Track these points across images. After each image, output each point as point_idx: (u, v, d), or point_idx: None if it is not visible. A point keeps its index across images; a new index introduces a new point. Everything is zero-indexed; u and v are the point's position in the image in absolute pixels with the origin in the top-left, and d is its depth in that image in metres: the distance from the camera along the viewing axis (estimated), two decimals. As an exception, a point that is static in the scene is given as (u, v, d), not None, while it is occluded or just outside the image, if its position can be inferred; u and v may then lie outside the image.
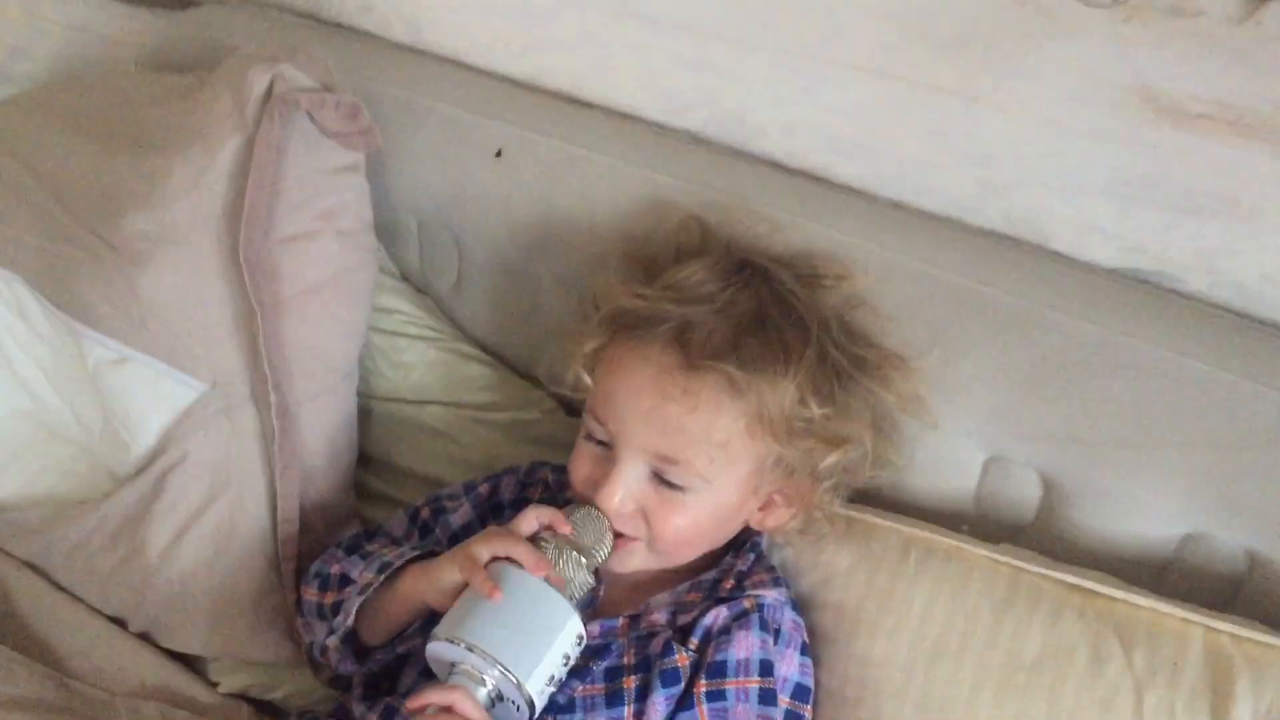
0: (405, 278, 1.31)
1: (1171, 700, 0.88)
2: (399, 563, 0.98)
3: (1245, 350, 0.94)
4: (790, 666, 0.98)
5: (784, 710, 0.96)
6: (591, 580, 0.94)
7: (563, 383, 1.04)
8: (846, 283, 1.03)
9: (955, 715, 0.92)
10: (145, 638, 1.15)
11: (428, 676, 0.94)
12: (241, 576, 1.11)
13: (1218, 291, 0.99)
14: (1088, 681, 0.90)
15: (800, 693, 0.98)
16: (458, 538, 1.05)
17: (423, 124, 1.22)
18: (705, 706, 0.92)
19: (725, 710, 0.92)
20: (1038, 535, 1.04)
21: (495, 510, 1.08)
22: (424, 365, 1.23)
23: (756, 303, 0.97)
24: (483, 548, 0.92)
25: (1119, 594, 0.94)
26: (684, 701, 0.93)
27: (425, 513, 1.10)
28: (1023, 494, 1.04)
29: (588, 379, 1.00)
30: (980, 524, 1.05)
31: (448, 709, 0.84)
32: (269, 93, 1.06)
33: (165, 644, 1.14)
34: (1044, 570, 0.97)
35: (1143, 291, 1.00)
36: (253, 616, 1.11)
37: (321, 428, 1.12)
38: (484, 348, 1.27)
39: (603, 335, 1.00)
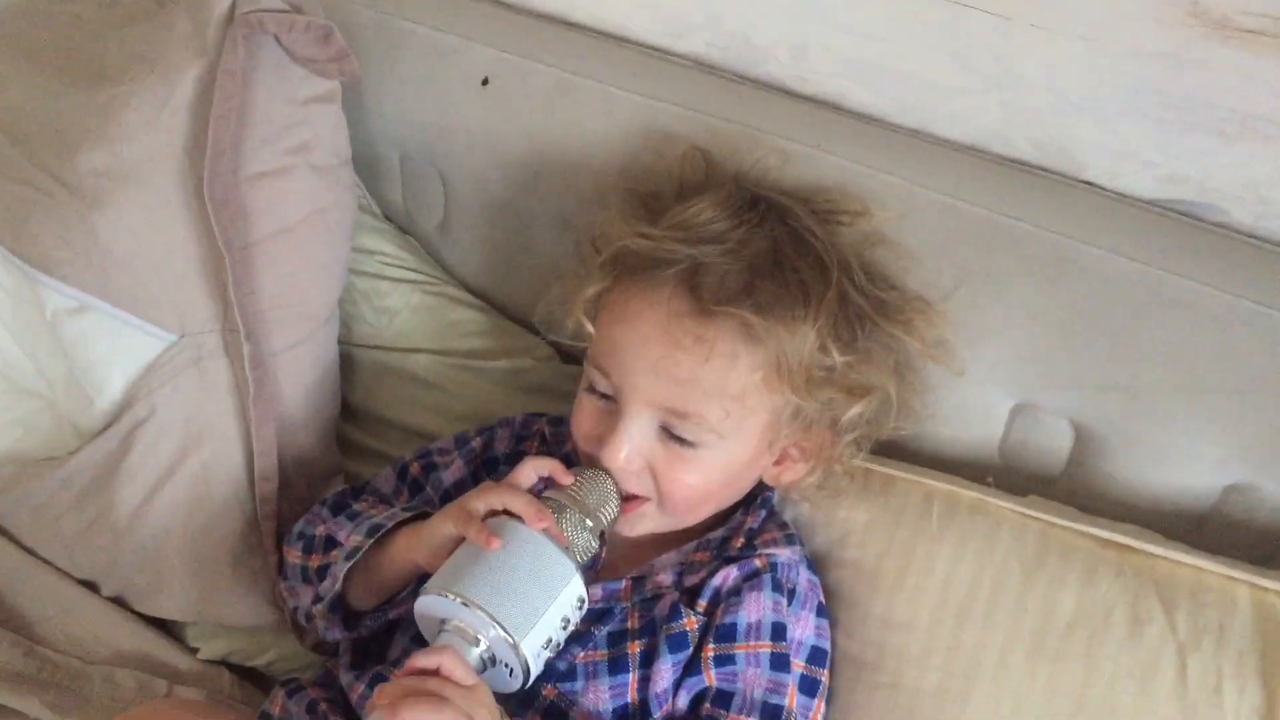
0: (388, 217, 1.24)
1: (1219, 665, 0.83)
2: (390, 524, 0.92)
3: (1296, 287, 0.87)
4: (805, 629, 0.92)
5: (798, 675, 0.90)
6: (595, 545, 0.87)
7: (561, 330, 0.97)
8: (864, 219, 0.96)
9: (983, 683, 0.87)
10: (119, 602, 1.10)
11: (419, 644, 0.88)
12: (219, 538, 1.05)
13: (1266, 223, 0.92)
14: (1127, 645, 0.85)
15: (816, 656, 0.92)
16: (450, 496, 0.99)
17: (403, 49, 1.14)
18: (713, 671, 0.87)
19: (734, 674, 0.87)
20: (1067, 487, 0.98)
21: (490, 465, 1.02)
22: (409, 310, 1.17)
23: (771, 242, 0.90)
24: (478, 501, 0.86)
25: (1158, 550, 0.89)
26: (691, 666, 0.88)
27: (415, 469, 1.03)
28: (1052, 444, 0.98)
29: (589, 326, 0.93)
30: (1005, 475, 0.99)
31: (434, 672, 0.77)
32: (231, 15, 0.97)
33: (140, 609, 1.09)
34: (1077, 525, 0.92)
35: (1185, 224, 0.93)
36: (232, 579, 1.05)
37: (300, 378, 1.06)
38: (473, 291, 1.21)
39: (605, 279, 0.93)
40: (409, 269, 1.18)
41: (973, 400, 0.98)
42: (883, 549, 0.94)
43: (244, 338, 0.99)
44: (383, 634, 0.97)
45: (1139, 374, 0.91)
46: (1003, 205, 0.94)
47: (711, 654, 0.87)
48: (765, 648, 0.88)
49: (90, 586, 1.10)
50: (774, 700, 0.87)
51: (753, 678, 0.87)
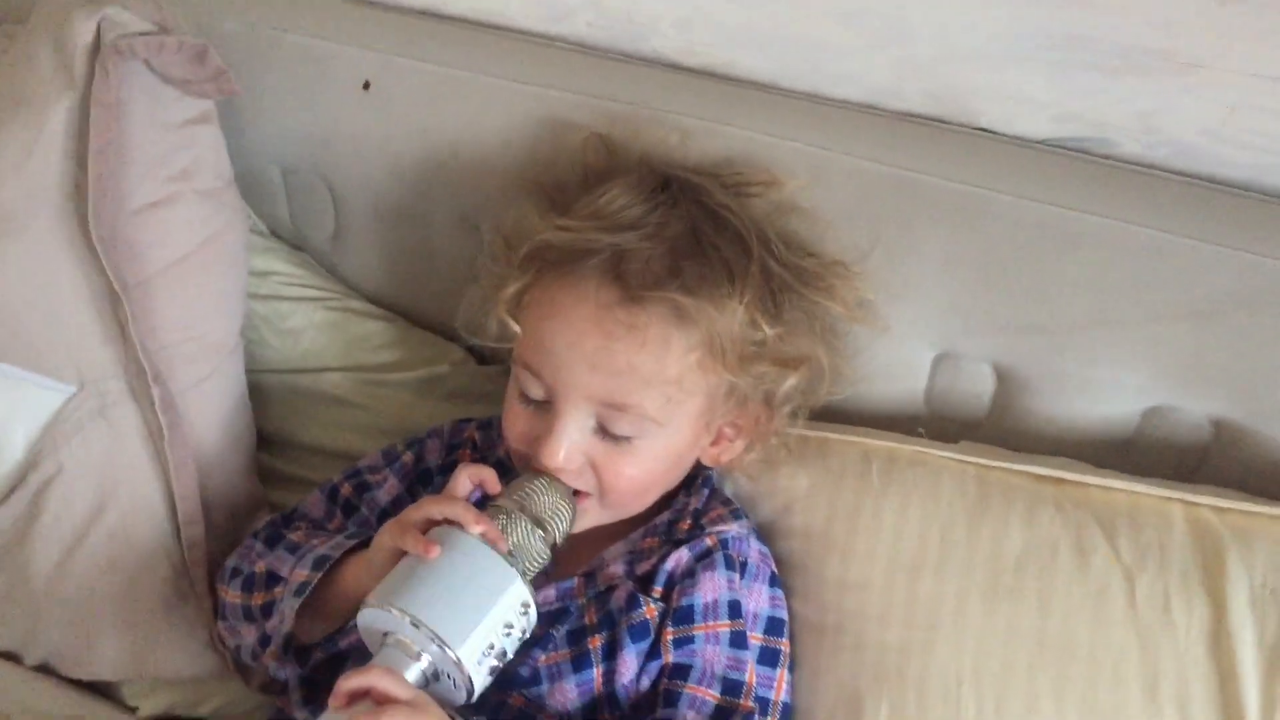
0: (276, 234, 1.20)
1: (1165, 584, 0.85)
2: (337, 554, 0.89)
3: (1197, 212, 0.90)
4: (759, 600, 0.92)
5: (757, 648, 0.90)
6: (548, 554, 0.85)
7: (484, 333, 0.94)
8: (774, 189, 0.96)
9: (944, 630, 0.88)
10: (46, 669, 1.04)
11: None
12: (147, 590, 1.00)
13: (1154, 152, 0.95)
14: (1076, 576, 0.87)
15: (774, 626, 0.92)
16: (388, 515, 0.95)
17: (275, 59, 1.09)
18: (672, 654, 0.87)
19: (693, 652, 0.87)
20: (995, 428, 1.00)
21: (424, 479, 1.00)
22: (313, 329, 1.13)
23: (689, 222, 0.89)
24: (417, 513, 0.84)
25: (1092, 480, 0.91)
26: (652, 652, 0.87)
27: (346, 490, 1.00)
28: (975, 388, 0.99)
29: (514, 325, 0.90)
30: (933, 424, 1.01)
31: (365, 693, 0.75)
32: (97, 42, 0.92)
33: (69, 674, 1.04)
34: (1012, 465, 0.93)
35: (1082, 161, 0.94)
36: (166, 631, 1.01)
37: (212, 415, 1.01)
38: (377, 301, 1.18)
39: (525, 275, 0.91)
40: (307, 286, 1.14)
41: (896, 355, 0.99)
42: (829, 513, 0.95)
43: (150, 380, 0.94)
44: (333, 666, 0.93)
45: (1056, 312, 0.92)
46: (907, 161, 0.95)
47: (671, 637, 0.87)
48: (724, 626, 0.88)
49: (11, 658, 1.04)
50: (733, 676, 0.87)
51: (712, 655, 0.87)
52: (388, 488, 0.99)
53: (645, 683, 0.87)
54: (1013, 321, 0.94)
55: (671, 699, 0.86)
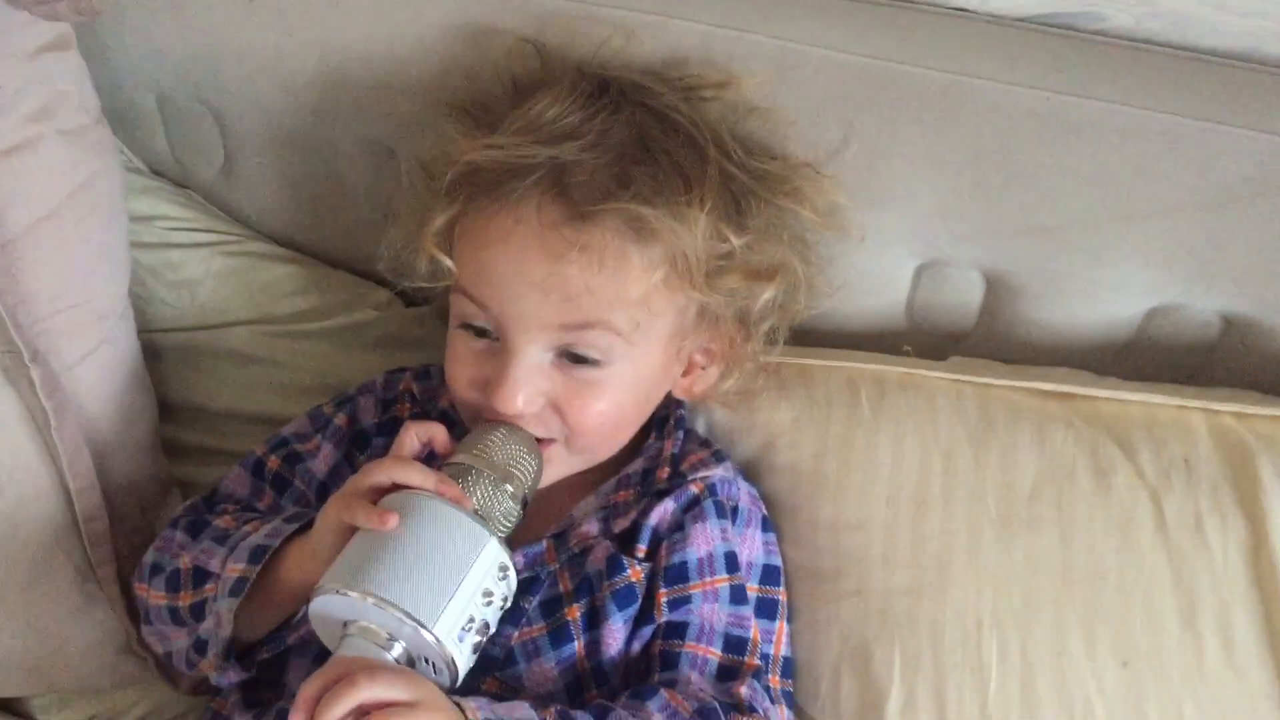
0: (156, 172, 1.07)
1: (1195, 502, 0.79)
2: (276, 543, 0.77)
3: (1206, 91, 0.81)
4: (754, 548, 0.85)
5: (754, 599, 0.83)
6: (518, 510, 0.75)
7: (412, 273, 0.84)
8: (731, 88, 0.85)
9: (957, 570, 0.81)
10: (-68, 689, 0.92)
11: (321, 660, 0.75)
12: (45, 595, 0.88)
13: (1148, 24, 0.86)
14: (1097, 500, 0.80)
15: (769, 575, 0.85)
16: (328, 488, 0.86)
17: (140, -33, 0.95)
18: (667, 617, 0.79)
19: (690, 611, 0.79)
20: (983, 338, 0.93)
21: (360, 441, 0.89)
22: (212, 278, 1.01)
23: (635, 128, 0.80)
24: (362, 481, 0.73)
25: (1103, 392, 0.84)
26: (642, 616, 0.79)
27: (274, 462, 0.89)
28: (962, 298, 0.92)
29: (448, 260, 0.80)
30: (915, 338, 0.93)
31: (344, 684, 0.64)
32: (-82, -43, 0.76)
33: (-36, 692, 0.91)
34: (1014, 381, 0.86)
35: (1071, 39, 0.85)
36: (74, 639, 0.90)
37: (104, 390, 0.89)
38: (282, 242, 1.06)
39: (454, 204, 0.80)
40: (200, 229, 1.02)
41: (875, 266, 0.91)
42: (817, 447, 0.87)
43: (27, 360, 0.81)
44: (278, 663, 0.82)
45: (1055, 210, 0.84)
46: (878, 48, 0.85)
47: (665, 598, 0.79)
48: (722, 581, 0.80)
49: (-105, 681, 0.91)
50: (736, 632, 0.79)
51: (710, 612, 0.79)
52: (322, 456, 0.88)
53: (635, 648, 0.79)
54: (1006, 223, 0.86)
55: (670, 660, 0.78)
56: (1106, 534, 0.79)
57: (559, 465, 0.81)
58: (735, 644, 0.79)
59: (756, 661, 0.79)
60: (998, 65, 0.84)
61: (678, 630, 0.79)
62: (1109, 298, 0.87)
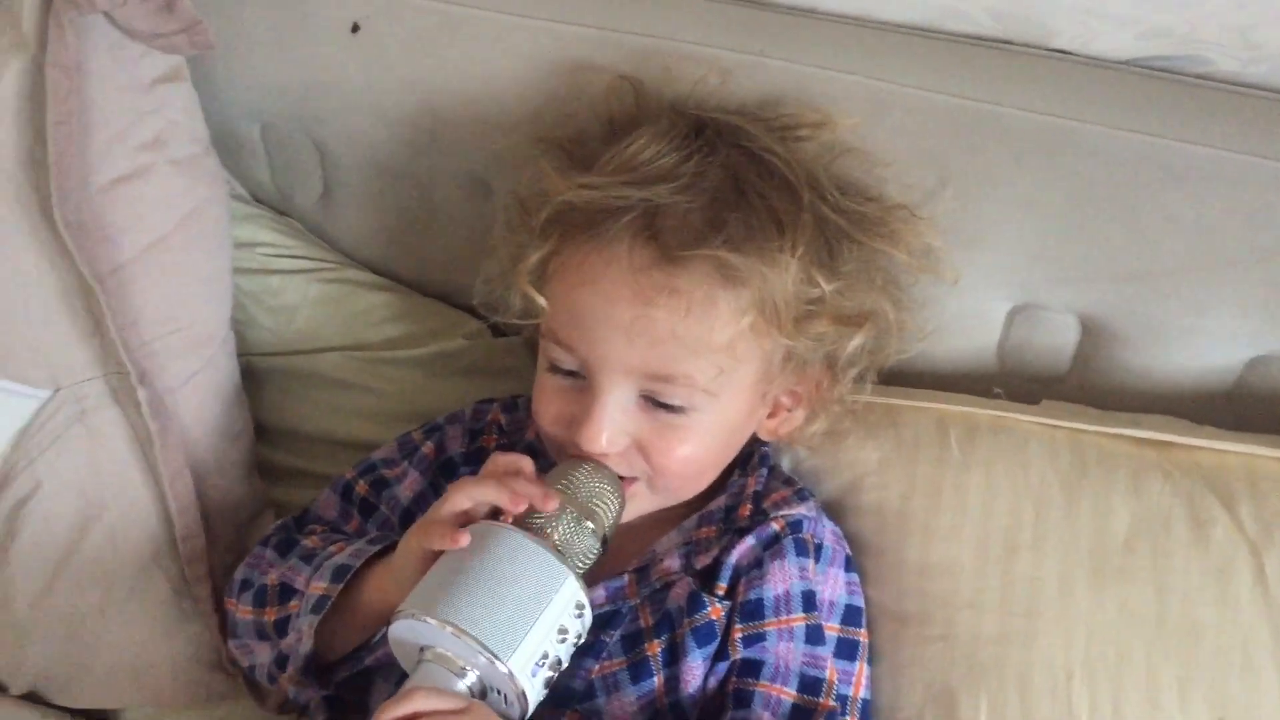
0: (257, 198, 1.09)
1: (1296, 557, 0.77)
2: (358, 564, 0.79)
3: (1311, 136, 0.80)
4: (835, 587, 0.84)
5: (834, 639, 0.82)
6: (598, 548, 0.76)
7: (506, 309, 0.85)
8: (827, 129, 0.85)
9: (1048, 617, 0.79)
10: (34, 698, 0.95)
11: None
12: (144, 611, 0.91)
13: (1254, 69, 0.85)
14: (1195, 553, 0.78)
15: (851, 615, 0.84)
16: (411, 514, 0.87)
17: (251, 1, 0.97)
18: (742, 651, 0.79)
19: (765, 649, 0.79)
20: (1077, 383, 0.92)
21: (448, 471, 0.90)
22: (309, 304, 1.02)
23: (729, 170, 0.80)
24: (444, 506, 0.74)
25: (1201, 442, 0.83)
26: (719, 653, 0.79)
27: (362, 487, 0.90)
28: (1055, 341, 0.91)
29: (540, 299, 0.81)
30: (1006, 381, 0.92)
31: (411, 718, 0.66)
32: (49, -4, 0.79)
33: (60, 702, 0.95)
34: (1108, 428, 0.85)
35: (1174, 83, 0.84)
36: (167, 654, 0.92)
37: (206, 412, 0.91)
38: (375, 269, 1.07)
39: (548, 242, 0.81)
40: (299, 256, 1.03)
41: (968, 308, 0.90)
42: (905, 488, 0.86)
43: (136, 381, 0.83)
44: (360, 683, 0.84)
45: (1155, 256, 0.83)
46: (976, 90, 0.85)
47: (740, 635, 0.79)
48: (798, 620, 0.80)
49: (-5, 688, 0.94)
50: (811, 673, 0.79)
51: (785, 651, 0.79)
52: (408, 483, 0.89)
53: (712, 684, 0.79)
54: (1104, 267, 0.85)
55: (743, 699, 0.77)
56: (1203, 587, 0.77)
57: (641, 503, 0.82)
58: (810, 684, 0.78)
59: (832, 703, 0.78)
60: (1098, 108, 0.83)
61: (752, 668, 0.78)
62: (1208, 346, 0.86)
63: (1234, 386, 0.87)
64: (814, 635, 0.80)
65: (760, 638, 0.79)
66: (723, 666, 0.79)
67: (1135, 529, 0.80)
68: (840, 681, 0.80)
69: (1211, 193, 0.80)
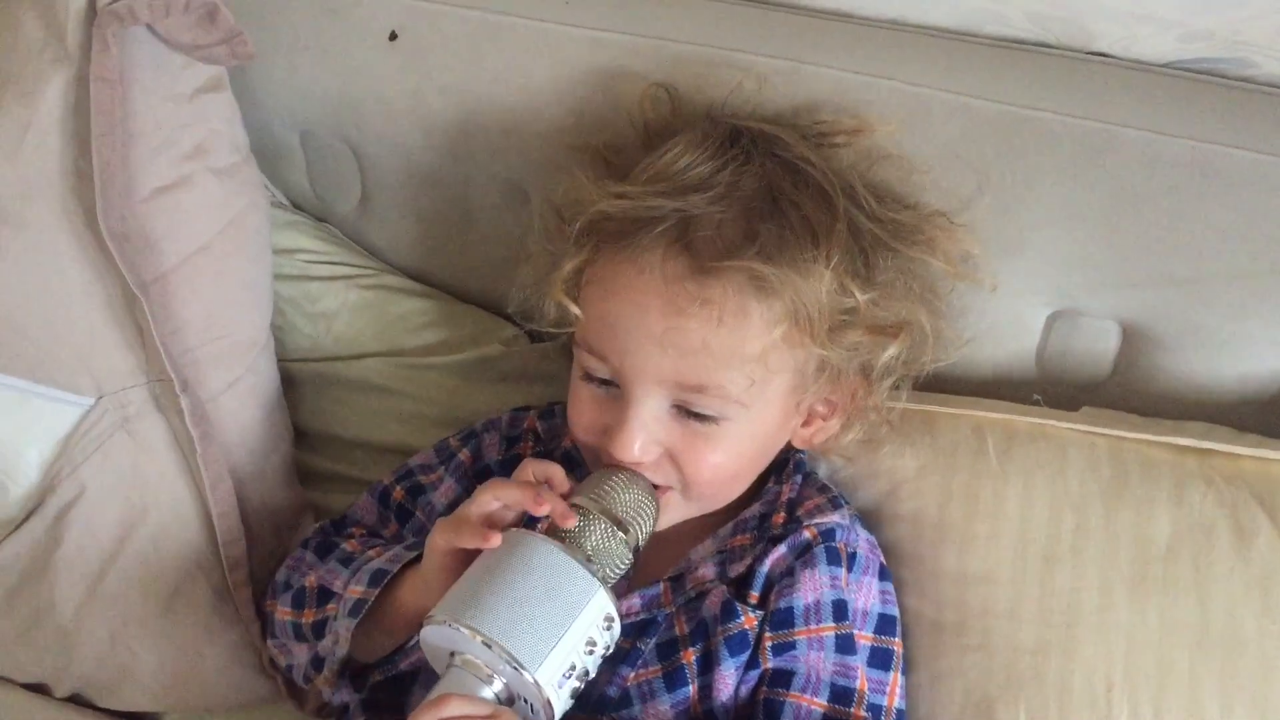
0: (296, 205, 1.09)
1: (1342, 568, 0.76)
2: (395, 569, 0.79)
3: (1358, 140, 0.79)
4: (869, 596, 0.83)
5: (867, 649, 0.81)
6: (630, 558, 0.76)
7: (541, 317, 0.85)
8: (863, 135, 0.85)
9: (1087, 628, 0.79)
10: (78, 700, 0.96)
11: None
12: (185, 615, 0.91)
13: (1297, 72, 0.83)
14: (1238, 563, 0.77)
15: (885, 625, 0.83)
16: None
17: (288, 12, 0.97)
18: (772, 660, 0.78)
19: (795, 658, 0.78)
20: (1117, 390, 0.91)
21: (483, 478, 0.89)
22: (348, 310, 1.03)
23: (764, 179, 0.79)
24: (473, 505, 0.75)
25: (1245, 450, 0.81)
26: (751, 661, 0.79)
27: (399, 493, 0.91)
28: (1096, 347, 0.90)
29: (575, 308, 0.81)
30: (1045, 388, 0.91)
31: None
32: (93, 7, 0.80)
33: (104, 705, 0.96)
34: (1149, 435, 0.84)
35: (1218, 86, 0.83)
36: (209, 658, 0.92)
37: (247, 418, 0.92)
38: (412, 275, 1.07)
39: (582, 251, 0.81)
40: (338, 263, 1.04)
41: (1006, 314, 0.89)
42: (942, 497, 0.85)
43: (179, 389, 0.84)
44: (397, 685, 0.85)
45: (1199, 262, 0.82)
46: (1014, 94, 0.84)
47: (770, 642, 0.78)
48: (828, 630, 0.79)
49: (40, 689, 0.96)
50: (842, 683, 0.78)
51: (815, 661, 0.79)
52: (444, 490, 0.90)
53: (744, 692, 0.79)
54: (1146, 273, 0.84)
55: (773, 710, 0.77)
56: (1247, 598, 0.76)
57: (675, 512, 0.82)
58: (841, 694, 0.78)
59: (863, 713, 0.78)
60: (1139, 112, 0.82)
61: (783, 679, 0.78)
62: (1251, 352, 0.84)
63: (1278, 394, 0.86)
64: (845, 645, 0.79)
65: (790, 646, 0.78)
66: (753, 675, 0.78)
67: (1177, 538, 0.79)
68: (873, 691, 0.80)
69: (1255, 197, 0.79)
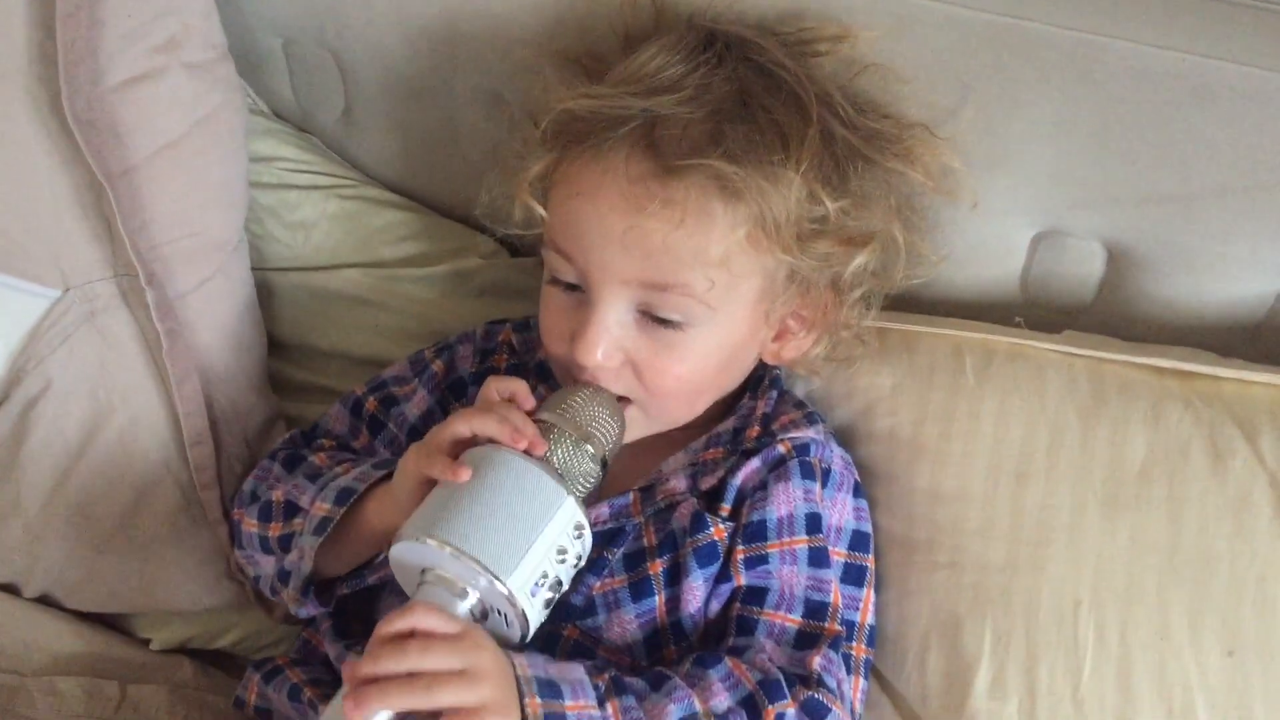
0: (279, 115, 1.08)
1: (1319, 490, 0.74)
2: (362, 487, 0.79)
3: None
4: (843, 512, 0.83)
5: (840, 564, 0.81)
6: (598, 471, 0.75)
7: (509, 221, 0.84)
8: (846, 43, 0.83)
9: (1057, 547, 0.78)
10: (47, 601, 0.96)
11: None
12: (152, 516, 0.91)
13: (1295, -12, 0.81)
14: (1212, 483, 0.76)
15: (859, 541, 0.83)
16: (418, 432, 0.87)
17: (270, -90, 0.96)
18: (744, 575, 0.77)
19: (768, 573, 0.77)
20: (1102, 314, 0.89)
21: (456, 390, 0.90)
22: (326, 220, 1.02)
23: (736, 83, 0.78)
24: (443, 432, 0.73)
25: (1225, 372, 0.80)
26: (721, 574, 0.78)
27: (371, 404, 0.90)
28: (1081, 269, 0.88)
29: (540, 209, 0.80)
30: (1031, 311, 0.90)
31: (409, 634, 0.65)
32: (60, -117, 0.78)
33: (71, 605, 0.96)
34: (1129, 357, 0.83)
35: (1209, 2, 0.81)
36: (176, 560, 0.92)
37: (216, 319, 0.91)
38: (395, 189, 1.06)
39: (550, 153, 0.80)
40: (318, 173, 1.03)
41: (989, 234, 0.87)
42: (917, 415, 0.84)
43: (144, 282, 0.83)
44: (365, 598, 0.84)
45: (1188, 178, 0.80)
46: (1006, 5, 0.81)
47: (741, 556, 0.78)
48: (801, 543, 0.78)
49: (10, 590, 0.95)
50: (816, 597, 0.77)
51: (789, 575, 0.78)
52: (416, 401, 0.89)
53: (715, 607, 0.78)
54: (1133, 191, 0.82)
55: (747, 626, 0.76)
56: (1219, 518, 0.75)
57: (638, 425, 0.81)
58: (815, 609, 0.77)
59: (838, 627, 0.77)
60: (1133, 25, 0.79)
61: (757, 596, 0.77)
62: (1239, 275, 0.83)
63: (1266, 318, 0.84)
64: (818, 558, 0.78)
65: (763, 560, 0.77)
66: (725, 588, 0.78)
67: (1152, 458, 0.78)
68: (846, 607, 0.79)
69: (1246, 113, 0.77)
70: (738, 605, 0.77)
